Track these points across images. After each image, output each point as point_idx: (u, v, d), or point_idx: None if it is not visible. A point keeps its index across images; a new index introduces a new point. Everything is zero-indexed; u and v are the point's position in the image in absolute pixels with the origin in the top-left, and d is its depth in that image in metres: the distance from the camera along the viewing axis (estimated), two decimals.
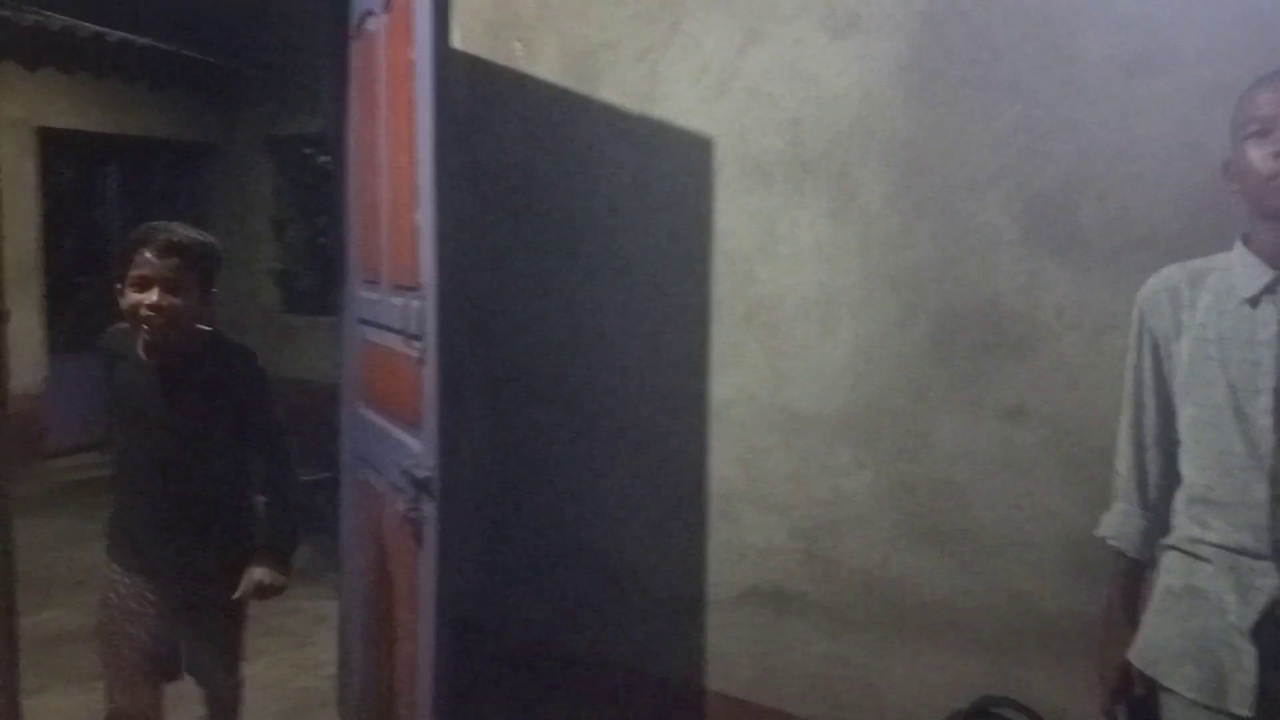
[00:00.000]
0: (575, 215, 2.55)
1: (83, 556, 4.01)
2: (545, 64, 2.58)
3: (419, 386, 2.01)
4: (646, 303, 2.43)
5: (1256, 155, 1.38)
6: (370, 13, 2.39)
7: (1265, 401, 1.36)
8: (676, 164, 2.36)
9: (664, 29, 2.37)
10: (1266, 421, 1.36)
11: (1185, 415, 1.48)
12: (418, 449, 2.02)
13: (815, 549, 2.19)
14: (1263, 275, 1.39)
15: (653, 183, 2.41)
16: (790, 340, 2.21)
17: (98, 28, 5.26)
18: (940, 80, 1.99)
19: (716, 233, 2.31)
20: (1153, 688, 1.50)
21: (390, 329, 2.21)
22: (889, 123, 2.05)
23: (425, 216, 1.96)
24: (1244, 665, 1.36)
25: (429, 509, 1.94)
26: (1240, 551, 1.38)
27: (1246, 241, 1.44)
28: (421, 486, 1.96)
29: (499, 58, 2.67)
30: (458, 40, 2.71)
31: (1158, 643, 1.49)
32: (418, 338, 2.00)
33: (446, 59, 1.97)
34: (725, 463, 2.32)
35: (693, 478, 2.37)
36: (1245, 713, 1.35)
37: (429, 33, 1.93)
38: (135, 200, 6.47)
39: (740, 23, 2.25)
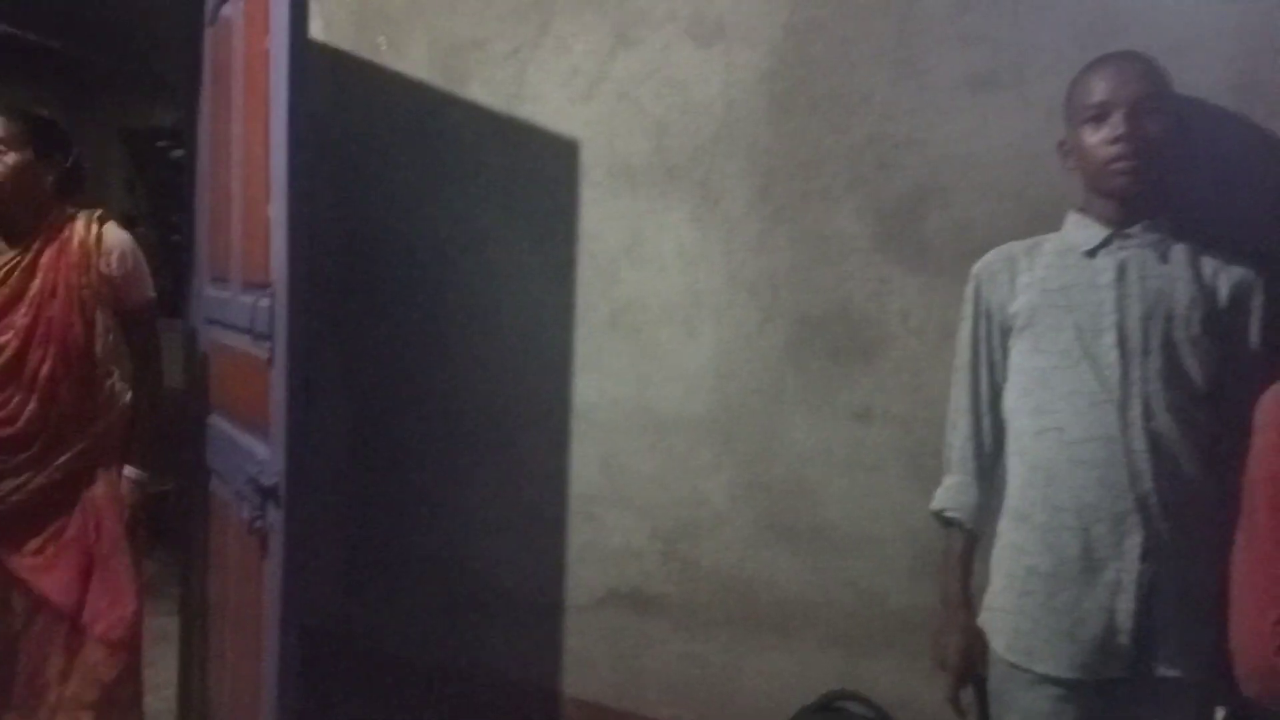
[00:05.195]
0: (439, 215, 2.50)
1: None
2: (412, 59, 2.53)
3: (267, 389, 1.92)
4: (511, 304, 2.40)
5: (1094, 140, 1.46)
6: None
7: (1110, 338, 1.43)
8: (544, 165, 2.34)
9: (534, 29, 2.35)
10: (1113, 357, 1.42)
11: (1033, 366, 1.50)
12: (265, 455, 1.92)
13: (674, 550, 2.20)
14: (1100, 232, 1.48)
15: (519, 183, 2.38)
16: (654, 343, 2.22)
17: None
18: (800, 91, 2.04)
19: (582, 235, 2.30)
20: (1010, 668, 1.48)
21: (238, 329, 2.11)
22: (751, 131, 2.09)
23: (278, 211, 1.88)
24: (1121, 625, 1.39)
25: (275, 518, 1.85)
26: (1098, 502, 1.40)
27: (1083, 211, 1.52)
28: (267, 494, 1.86)
29: (364, 51, 2.60)
30: (320, 32, 2.63)
31: (1026, 629, 1.46)
32: (267, 337, 1.91)
33: (304, 48, 1.90)
34: (587, 465, 2.31)
35: (554, 481, 2.34)
36: (1122, 673, 1.39)
37: (285, 20, 1.85)
38: None
39: (610, 26, 2.25)
